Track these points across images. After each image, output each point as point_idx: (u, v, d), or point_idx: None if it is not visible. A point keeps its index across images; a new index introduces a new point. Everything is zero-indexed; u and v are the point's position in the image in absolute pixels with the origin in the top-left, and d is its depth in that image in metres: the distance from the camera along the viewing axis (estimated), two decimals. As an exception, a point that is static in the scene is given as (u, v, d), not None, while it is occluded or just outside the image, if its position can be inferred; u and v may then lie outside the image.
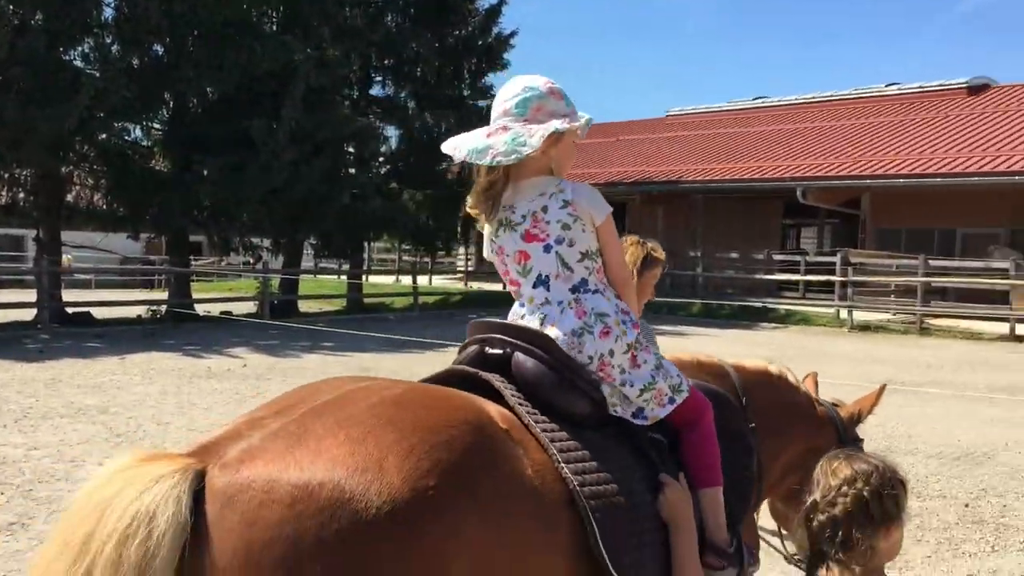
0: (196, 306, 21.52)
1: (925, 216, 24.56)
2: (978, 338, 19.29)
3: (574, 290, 2.35)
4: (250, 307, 22.34)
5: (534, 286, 2.38)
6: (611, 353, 2.28)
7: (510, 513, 1.80)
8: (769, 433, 2.93)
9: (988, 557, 5.79)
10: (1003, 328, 19.59)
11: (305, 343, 16.31)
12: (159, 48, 19.96)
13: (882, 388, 3.66)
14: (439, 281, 34.21)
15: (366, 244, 30.13)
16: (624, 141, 36.53)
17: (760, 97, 36.99)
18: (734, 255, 26.59)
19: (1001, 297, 20.85)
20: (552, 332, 2.29)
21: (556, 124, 2.31)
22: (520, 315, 2.41)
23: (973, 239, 23.87)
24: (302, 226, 22.40)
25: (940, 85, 30.87)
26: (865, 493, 2.06)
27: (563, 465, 1.98)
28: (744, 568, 2.48)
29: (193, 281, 26.99)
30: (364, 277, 29.12)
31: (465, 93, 25.69)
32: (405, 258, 36.11)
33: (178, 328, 18.62)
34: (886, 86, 32.89)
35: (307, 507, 1.57)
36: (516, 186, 2.39)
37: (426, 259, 33.11)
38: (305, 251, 27.63)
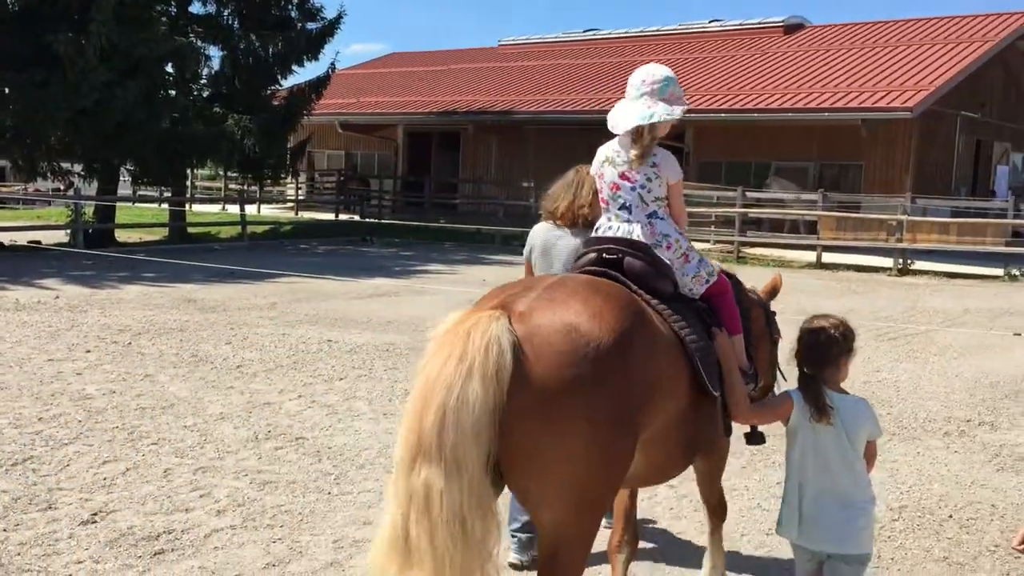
0: (0, 235, 19.99)
1: (743, 150, 25.76)
2: (789, 265, 20.56)
3: (649, 216, 3.54)
4: (62, 236, 20.95)
5: (620, 208, 3.57)
6: (670, 261, 3.50)
7: (656, 343, 3.03)
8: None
9: (794, 465, 6.26)
10: (811, 256, 20.98)
11: (124, 274, 15.50)
12: (-52, -49, 18.06)
13: (779, 276, 4.68)
14: (268, 210, 33.18)
15: (189, 171, 28.72)
16: (457, 70, 36.22)
17: (591, 30, 37.44)
18: (566, 186, 27.04)
19: (810, 227, 22.29)
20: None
21: (684, 106, 3.60)
22: (608, 226, 3.60)
23: (786, 172, 25.25)
24: (117, 150, 21.05)
25: (759, 23, 32.15)
26: (835, 335, 3.37)
27: (672, 323, 3.23)
28: (754, 384, 3.86)
29: (-5, 209, 25.06)
30: (188, 205, 27.86)
31: (293, 14, 24.59)
32: (232, 186, 34.73)
33: (-20, 259, 17.29)
34: (709, 22, 33.96)
35: (574, 337, 2.72)
36: (626, 140, 3.56)
37: (253, 188, 31.98)
38: (122, 177, 26.06)
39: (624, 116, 3.52)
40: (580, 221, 4.38)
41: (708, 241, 22.87)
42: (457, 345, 2.63)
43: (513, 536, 4.51)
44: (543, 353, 2.68)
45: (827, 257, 20.77)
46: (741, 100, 24.77)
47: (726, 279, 3.72)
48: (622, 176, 3.53)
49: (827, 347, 3.35)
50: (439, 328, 2.78)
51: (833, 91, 23.85)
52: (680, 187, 3.63)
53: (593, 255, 3.53)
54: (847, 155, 24.32)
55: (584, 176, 4.42)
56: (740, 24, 32.65)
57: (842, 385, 3.45)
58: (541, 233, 4.56)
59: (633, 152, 3.50)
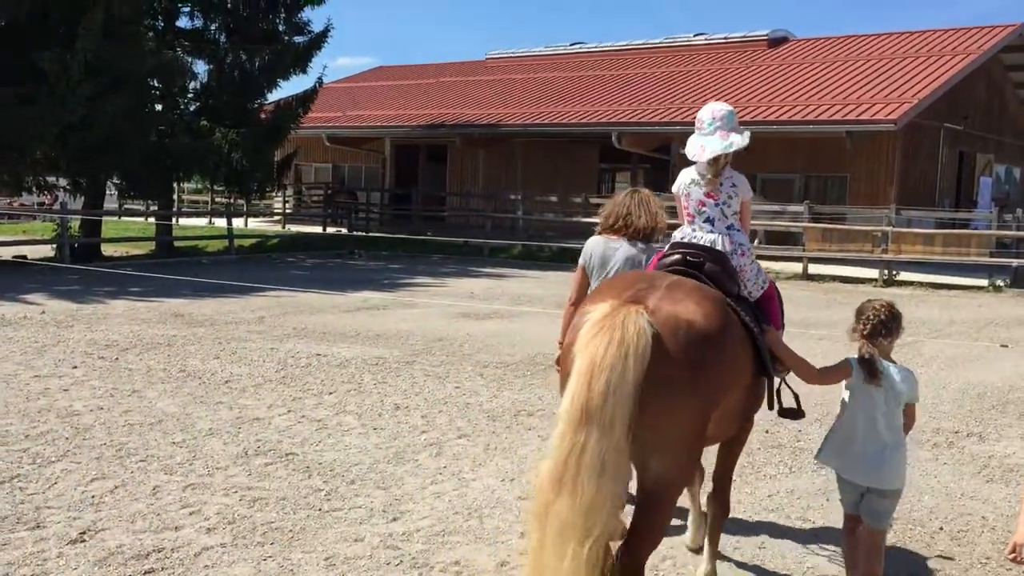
0: (-15, 250, 19.88)
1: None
2: (775, 276, 20.61)
3: (727, 228, 4.41)
4: (47, 251, 20.86)
5: (704, 222, 4.43)
6: (743, 266, 4.35)
7: (738, 336, 3.85)
8: None
9: (786, 478, 6.28)
10: (797, 267, 21.07)
11: (110, 288, 15.42)
12: (-67, -35, 17.97)
13: None
14: (256, 224, 33.09)
15: (175, 185, 28.61)
16: (444, 83, 36.28)
17: (577, 43, 37.57)
18: (553, 198, 27.09)
19: (795, 238, 22.38)
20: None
21: (748, 131, 4.50)
22: (692, 235, 4.41)
23: (771, 184, 25.36)
24: (104, 165, 20.96)
25: (743, 37, 32.32)
26: (893, 313, 4.08)
27: (742, 317, 4.01)
28: (784, 375, 4.50)
29: (-20, 223, 24.90)
30: (174, 219, 27.76)
31: (280, 28, 24.59)
32: (219, 200, 34.61)
33: (-35, 274, 17.16)
34: (695, 36, 34.12)
35: (691, 330, 3.49)
36: (705, 165, 4.45)
37: (240, 201, 31.90)
38: (109, 191, 25.96)
39: (707, 147, 4.36)
40: (655, 235, 5.11)
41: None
42: (616, 332, 3.35)
43: None
44: (672, 341, 3.44)
45: (813, 268, 20.86)
46: (727, 113, 24.86)
47: (774, 284, 4.58)
48: (707, 195, 4.42)
49: (885, 322, 4.06)
50: (592, 316, 3.48)
51: (818, 104, 23.99)
52: (750, 203, 4.55)
53: (678, 256, 4.31)
54: (832, 167, 24.44)
55: (647, 196, 5.24)
56: (725, 38, 32.80)
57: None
58: (600, 245, 5.17)
59: (710, 174, 4.39)
